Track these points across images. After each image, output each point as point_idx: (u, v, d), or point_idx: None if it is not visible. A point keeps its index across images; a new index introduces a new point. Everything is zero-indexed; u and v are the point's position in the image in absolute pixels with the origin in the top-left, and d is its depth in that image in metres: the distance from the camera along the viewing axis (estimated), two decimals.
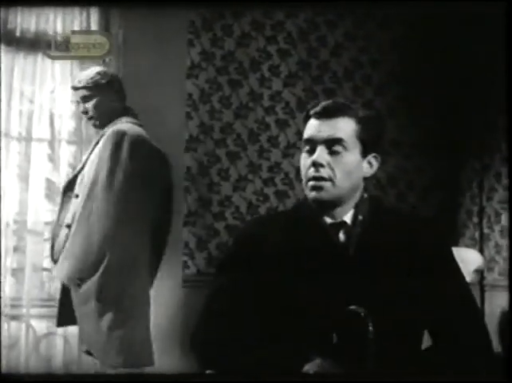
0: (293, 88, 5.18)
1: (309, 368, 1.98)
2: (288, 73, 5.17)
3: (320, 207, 2.16)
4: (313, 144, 2.14)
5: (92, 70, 3.77)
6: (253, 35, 5.10)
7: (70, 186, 3.70)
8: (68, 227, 3.58)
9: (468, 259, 4.51)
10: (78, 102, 3.77)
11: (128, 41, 4.75)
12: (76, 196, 3.62)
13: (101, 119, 3.71)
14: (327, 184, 2.13)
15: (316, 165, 2.12)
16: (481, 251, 5.08)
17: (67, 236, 3.56)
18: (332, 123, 2.13)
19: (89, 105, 3.69)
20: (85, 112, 3.71)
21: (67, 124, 4.64)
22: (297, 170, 5.04)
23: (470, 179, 5.37)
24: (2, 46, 4.46)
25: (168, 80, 4.87)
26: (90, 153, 3.70)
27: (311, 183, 2.14)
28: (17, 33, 4.55)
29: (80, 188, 3.61)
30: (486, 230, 5.21)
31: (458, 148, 5.41)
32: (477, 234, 5.26)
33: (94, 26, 4.70)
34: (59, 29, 4.58)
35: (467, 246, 5.20)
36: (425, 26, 5.27)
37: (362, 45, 5.31)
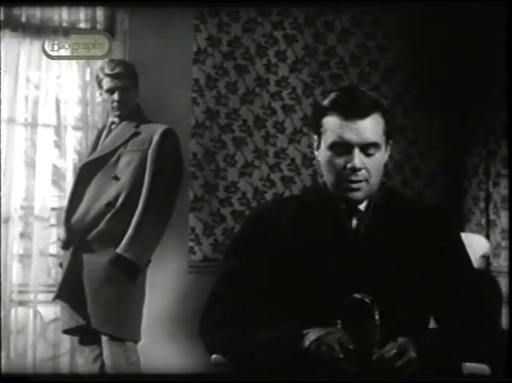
0: (300, 73, 5.17)
1: (306, 339, 1.98)
2: (294, 59, 5.16)
3: (353, 204, 2.16)
4: (345, 146, 2.10)
5: (126, 62, 4.01)
6: (259, 20, 5.09)
7: (92, 166, 3.79)
8: (109, 204, 3.69)
9: (475, 245, 4.50)
10: (111, 90, 3.79)
11: (134, 27, 4.74)
12: (116, 178, 3.72)
13: (124, 111, 3.81)
14: (363, 185, 2.13)
15: (355, 170, 2.10)
16: (487, 237, 5.08)
17: (110, 215, 3.70)
18: (364, 124, 2.10)
19: (123, 97, 3.76)
20: (119, 102, 3.78)
21: (73, 109, 4.65)
22: (304, 156, 5.06)
23: (476, 164, 5.36)
24: (8, 32, 4.46)
25: (174, 65, 4.86)
26: (123, 142, 3.79)
27: (348, 185, 2.12)
28: (23, 19, 4.55)
29: (122, 171, 3.73)
30: (492, 216, 5.21)
31: (464, 133, 5.41)
32: (483, 220, 5.25)
33: (99, 12, 4.70)
34: (64, 15, 4.58)
35: (474, 232, 5.19)
36: (430, 13, 5.26)
37: (369, 30, 5.29)
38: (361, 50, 5.29)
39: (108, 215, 3.69)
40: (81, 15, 4.66)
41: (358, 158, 2.10)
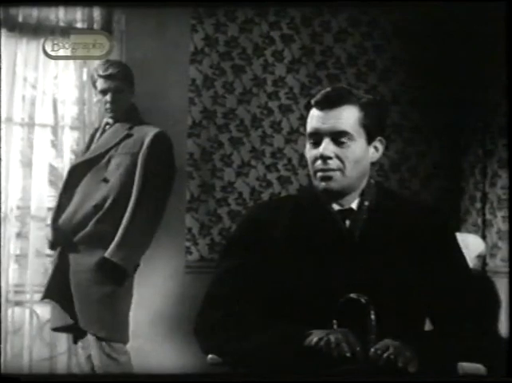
0: (297, 73, 5.17)
1: (312, 337, 1.99)
2: (291, 59, 5.16)
3: (330, 196, 2.16)
4: (318, 136, 2.14)
5: (121, 63, 4.00)
6: (256, 20, 5.09)
7: (82, 168, 3.77)
8: (96, 207, 3.67)
9: (470, 245, 4.51)
10: (104, 91, 3.80)
11: (131, 27, 4.74)
12: (106, 180, 3.70)
13: (118, 112, 3.80)
14: (336, 174, 2.13)
15: (324, 158, 2.12)
16: (483, 237, 5.08)
17: (98, 218, 3.68)
18: (335, 113, 2.12)
19: (116, 98, 3.76)
20: (112, 102, 3.77)
21: (70, 109, 4.64)
22: (301, 156, 5.06)
23: (472, 164, 5.37)
24: (5, 32, 4.46)
25: (171, 65, 4.87)
26: (115, 144, 3.77)
27: (320, 173, 2.14)
28: (20, 19, 4.55)
29: (112, 174, 3.71)
30: (488, 217, 5.21)
31: (461, 133, 5.41)
32: (479, 221, 5.26)
33: (96, 12, 4.70)
34: (61, 15, 4.58)
35: (470, 232, 5.20)
36: (428, 13, 5.26)
37: (366, 30, 5.30)
38: (358, 50, 5.29)
39: (95, 218, 3.67)
40: (78, 15, 4.65)
41: (326, 146, 2.12)
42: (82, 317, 3.64)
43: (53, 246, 3.76)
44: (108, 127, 3.83)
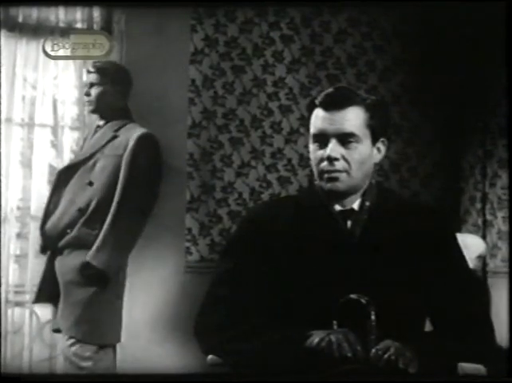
0: (297, 74, 5.17)
1: (313, 338, 1.99)
2: (291, 59, 5.16)
3: (335, 197, 2.17)
4: (323, 137, 2.13)
5: (111, 61, 3.90)
6: (256, 21, 5.09)
7: (70, 171, 3.75)
8: (81, 211, 3.64)
9: (470, 245, 4.51)
10: (86, 85, 3.79)
11: (131, 27, 4.74)
12: (91, 183, 3.66)
13: (102, 110, 3.75)
14: (342, 175, 2.13)
15: (330, 159, 2.12)
16: (484, 238, 5.08)
17: (82, 222, 3.64)
18: (341, 115, 2.12)
19: (94, 92, 3.73)
20: (88, 95, 3.75)
21: (70, 110, 4.65)
22: (300, 156, 5.06)
23: (472, 165, 5.37)
24: (5, 32, 4.46)
25: (171, 65, 4.87)
26: (102, 146, 3.73)
27: (326, 175, 2.14)
28: (20, 19, 4.55)
29: (97, 177, 3.67)
30: (488, 217, 5.21)
31: (461, 133, 5.42)
32: (480, 221, 5.26)
33: (96, 12, 4.70)
34: (61, 15, 4.58)
35: (470, 232, 5.20)
36: (428, 13, 5.27)
37: (366, 30, 5.30)
38: (358, 51, 5.29)
39: (80, 222, 3.64)
40: (78, 15, 4.66)
41: (333, 148, 2.12)
42: (62, 319, 3.63)
43: (42, 250, 3.75)
44: (98, 129, 3.80)
